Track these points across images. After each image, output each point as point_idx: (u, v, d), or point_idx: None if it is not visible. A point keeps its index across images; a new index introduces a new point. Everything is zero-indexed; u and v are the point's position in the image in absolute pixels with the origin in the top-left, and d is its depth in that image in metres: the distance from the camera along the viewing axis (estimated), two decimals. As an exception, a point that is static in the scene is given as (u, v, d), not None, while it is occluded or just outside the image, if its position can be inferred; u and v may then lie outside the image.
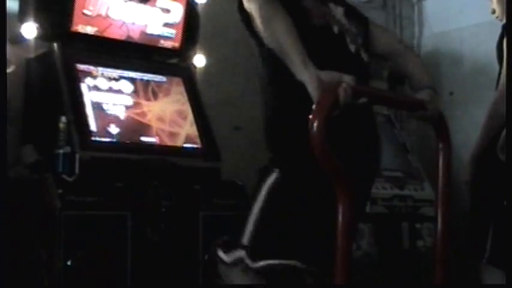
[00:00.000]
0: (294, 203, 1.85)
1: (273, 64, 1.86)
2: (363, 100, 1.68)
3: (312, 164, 1.72)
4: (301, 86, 1.70)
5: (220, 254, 1.94)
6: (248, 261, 1.85)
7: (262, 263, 1.83)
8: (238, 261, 1.88)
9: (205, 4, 3.70)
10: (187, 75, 3.59)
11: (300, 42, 1.72)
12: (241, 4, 1.90)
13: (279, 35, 1.74)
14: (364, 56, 2.01)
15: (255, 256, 1.85)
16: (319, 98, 1.62)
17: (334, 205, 1.72)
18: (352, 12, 2.07)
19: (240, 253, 1.88)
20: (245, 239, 1.88)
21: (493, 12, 3.05)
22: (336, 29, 1.94)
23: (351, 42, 1.97)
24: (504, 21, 2.96)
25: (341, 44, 1.94)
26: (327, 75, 1.67)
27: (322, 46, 1.83)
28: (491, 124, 2.82)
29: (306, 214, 1.84)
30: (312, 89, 1.65)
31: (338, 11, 1.99)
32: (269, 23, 1.77)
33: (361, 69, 1.95)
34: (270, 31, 1.77)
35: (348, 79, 1.64)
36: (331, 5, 1.99)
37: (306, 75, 1.67)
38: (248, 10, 1.86)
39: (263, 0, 1.80)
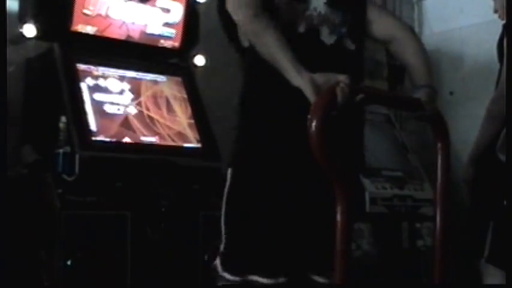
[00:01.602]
0: (250, 205, 1.89)
1: (252, 69, 1.93)
2: (360, 96, 1.68)
3: (264, 166, 1.85)
4: (277, 88, 1.75)
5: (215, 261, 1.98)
6: (220, 270, 1.90)
7: (227, 275, 1.88)
8: (215, 268, 1.93)
9: (205, 4, 3.69)
10: (187, 75, 3.59)
11: (290, 50, 1.74)
12: (221, 9, 1.93)
13: (270, 46, 1.77)
14: (349, 44, 1.97)
15: (224, 266, 1.90)
16: (316, 99, 1.63)
17: (290, 210, 1.85)
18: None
19: (217, 260, 1.93)
20: (221, 247, 1.93)
21: (496, 11, 3.05)
22: (302, 27, 1.92)
23: (330, 33, 1.94)
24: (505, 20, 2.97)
25: (311, 41, 1.91)
26: (322, 77, 1.68)
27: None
28: (490, 124, 2.82)
29: (264, 216, 1.87)
30: (309, 94, 1.65)
31: (319, 1, 1.94)
32: (259, 38, 1.81)
33: (342, 60, 1.93)
34: (261, 45, 1.81)
35: (343, 78, 1.65)
36: None
37: (301, 80, 1.68)
38: (233, 18, 1.88)
39: (251, 15, 1.82)
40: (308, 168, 1.66)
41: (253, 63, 1.91)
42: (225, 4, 1.89)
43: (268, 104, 1.92)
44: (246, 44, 1.95)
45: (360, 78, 1.92)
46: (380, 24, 2.09)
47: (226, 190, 1.95)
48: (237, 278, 1.87)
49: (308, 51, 1.79)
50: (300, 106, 1.63)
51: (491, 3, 3.08)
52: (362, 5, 2.08)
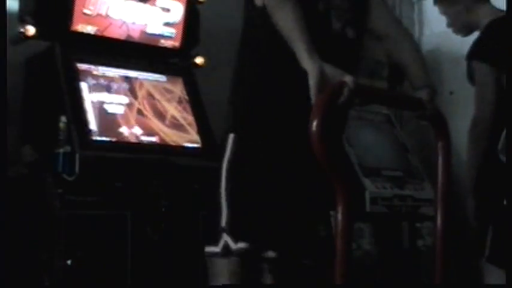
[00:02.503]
0: (256, 171, 1.84)
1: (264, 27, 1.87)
2: (357, 101, 1.69)
3: (269, 128, 1.80)
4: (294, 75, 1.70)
5: (210, 248, 1.89)
6: (231, 243, 1.83)
7: (243, 245, 1.81)
8: (226, 246, 1.85)
9: (206, 3, 3.69)
10: (187, 74, 3.59)
11: (308, 32, 1.72)
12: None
13: (288, 23, 1.74)
14: (350, 32, 1.98)
15: (235, 237, 1.82)
16: (318, 98, 1.63)
17: (294, 177, 1.81)
18: None
19: (225, 237, 1.85)
20: (223, 221, 1.86)
21: (449, 25, 3.06)
22: (321, 6, 1.91)
23: (337, 19, 1.94)
24: (461, 35, 2.99)
25: (325, 22, 1.91)
26: (331, 70, 1.66)
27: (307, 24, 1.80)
28: (477, 147, 2.82)
29: (271, 182, 1.83)
30: (312, 79, 1.64)
31: None
32: (279, 11, 1.78)
33: (344, 47, 1.93)
34: (279, 19, 1.77)
35: (348, 79, 1.64)
36: None
37: (310, 64, 1.66)
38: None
39: None
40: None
41: (259, 28, 1.89)
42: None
43: (269, 71, 1.89)
44: (258, 2, 1.91)
45: (353, 70, 1.87)
46: (377, 18, 2.08)
47: (226, 159, 1.89)
48: (252, 246, 1.80)
49: (321, 32, 1.78)
50: (299, 82, 1.63)
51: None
52: None
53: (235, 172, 1.88)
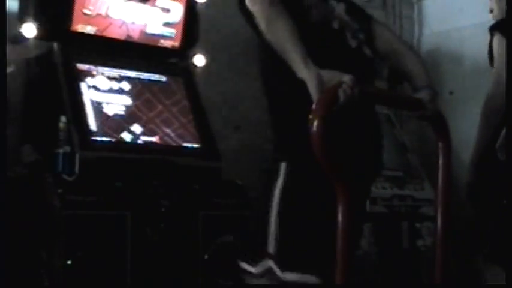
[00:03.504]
0: (310, 201, 1.83)
1: (276, 61, 1.87)
2: (359, 94, 1.68)
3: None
4: (300, 84, 1.71)
5: (245, 266, 1.91)
6: (277, 271, 1.82)
7: (293, 276, 1.80)
8: (267, 272, 1.84)
9: (205, 4, 3.69)
10: (187, 74, 3.59)
11: (301, 42, 1.74)
12: (242, 5, 1.91)
13: (281, 35, 1.77)
14: (367, 51, 2.02)
15: (284, 266, 1.82)
16: (318, 97, 1.63)
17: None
18: (354, 9, 2.08)
19: (268, 263, 1.84)
20: (271, 248, 1.84)
21: (491, 11, 3.05)
22: (335, 24, 1.94)
23: (352, 38, 1.98)
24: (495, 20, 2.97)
25: (341, 39, 1.95)
26: (327, 74, 1.68)
27: (321, 42, 1.83)
28: (486, 124, 2.82)
29: (323, 212, 1.80)
30: (312, 88, 1.66)
31: (339, 7, 2.00)
32: (272, 24, 1.80)
33: (363, 64, 1.95)
34: (272, 32, 1.80)
35: (347, 79, 1.65)
36: (332, 2, 2.00)
37: (307, 73, 1.68)
38: (251, 10, 1.87)
39: (267, 2, 1.82)
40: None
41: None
42: (244, 1, 1.89)
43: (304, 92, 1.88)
44: None
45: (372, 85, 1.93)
46: (382, 38, 2.15)
47: (279, 186, 1.88)
48: (300, 276, 1.79)
49: (338, 49, 1.79)
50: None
51: (489, 2, 3.09)
52: (368, 19, 2.15)
53: (289, 201, 1.86)
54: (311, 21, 1.90)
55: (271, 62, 1.93)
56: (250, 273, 1.89)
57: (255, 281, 1.89)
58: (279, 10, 1.81)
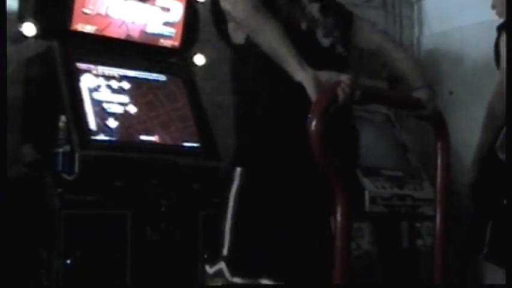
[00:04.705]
0: (262, 207, 1.86)
1: (249, 63, 1.92)
2: (358, 94, 1.68)
3: (276, 162, 1.83)
4: (283, 86, 1.73)
5: (206, 266, 1.93)
6: (227, 274, 1.84)
7: (239, 280, 1.83)
8: (218, 273, 1.87)
9: (205, 3, 3.69)
10: (187, 74, 3.59)
11: (293, 45, 1.74)
12: (214, 5, 1.94)
13: (273, 40, 1.77)
14: (340, 49, 2.02)
15: (233, 270, 1.84)
16: (317, 97, 1.63)
17: (300, 209, 1.83)
18: (330, 7, 2.06)
19: (221, 265, 1.87)
20: (224, 250, 1.87)
21: (493, 7, 3.04)
22: (304, 25, 1.94)
23: (324, 37, 1.98)
24: (503, 17, 2.96)
25: (310, 39, 1.94)
26: (325, 75, 1.68)
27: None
28: (490, 124, 2.82)
29: (275, 219, 1.84)
30: (311, 89, 1.66)
31: (313, 7, 1.99)
32: (261, 31, 1.80)
33: (335, 63, 1.94)
34: (262, 38, 1.80)
35: (345, 78, 1.65)
36: (304, 1, 1.99)
37: (304, 76, 1.68)
38: (228, 13, 1.89)
39: (252, 9, 1.81)
40: (313, 168, 1.64)
41: (248, 60, 1.92)
42: (218, 2, 1.90)
43: (271, 100, 1.91)
44: (237, 40, 1.95)
45: None
46: (366, 36, 2.16)
47: (234, 190, 1.90)
48: (248, 281, 1.82)
49: (308, 50, 1.79)
50: (299, 102, 1.63)
51: (490, 1, 3.08)
52: (349, 16, 2.14)
53: (243, 204, 1.89)
54: (280, 21, 1.88)
55: (242, 67, 1.98)
56: (206, 272, 1.91)
57: (209, 281, 1.91)
58: (265, 15, 1.80)
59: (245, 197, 1.89)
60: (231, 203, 1.90)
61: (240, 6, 1.84)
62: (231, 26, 1.95)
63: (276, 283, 1.82)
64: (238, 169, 1.93)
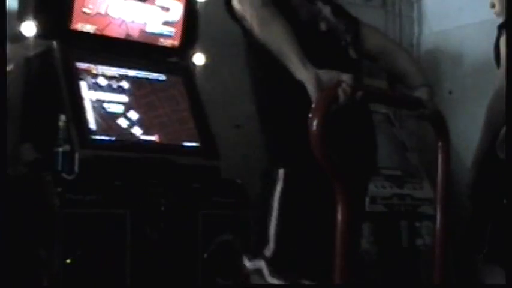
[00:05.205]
0: (307, 210, 1.84)
1: (266, 63, 1.88)
2: (359, 94, 1.68)
3: (318, 167, 1.73)
4: (296, 85, 1.71)
5: (245, 259, 1.93)
6: (266, 274, 1.84)
7: (277, 281, 1.82)
8: (258, 271, 1.86)
9: (205, 2, 3.69)
10: (186, 73, 3.58)
11: (298, 43, 1.73)
12: (228, 5, 1.92)
13: (277, 36, 1.76)
14: (353, 53, 2.02)
15: (274, 272, 1.83)
16: (318, 97, 1.63)
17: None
18: (340, 11, 2.08)
19: (261, 263, 1.86)
20: (267, 251, 1.86)
21: (492, 6, 3.04)
22: (323, 25, 1.94)
23: (339, 40, 1.99)
24: (502, 17, 2.96)
25: (330, 40, 1.95)
26: (326, 74, 1.68)
27: (310, 43, 1.81)
28: (490, 125, 2.82)
29: (322, 218, 1.80)
30: (311, 88, 1.66)
31: (326, 9, 2.00)
32: (267, 25, 1.79)
33: (348, 65, 1.95)
34: (267, 33, 1.79)
35: (346, 78, 1.65)
36: (319, 3, 2.00)
37: (305, 74, 1.68)
38: (239, 11, 1.87)
39: (259, 4, 1.81)
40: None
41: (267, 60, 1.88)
42: (231, 1, 1.89)
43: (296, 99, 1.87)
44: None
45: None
46: (371, 40, 2.16)
47: (278, 192, 1.88)
48: (286, 282, 1.82)
49: (328, 50, 1.79)
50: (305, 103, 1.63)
51: (490, 0, 3.08)
52: (355, 22, 2.15)
53: (288, 206, 1.87)
54: (299, 22, 1.89)
55: (264, 68, 1.94)
56: (244, 265, 1.92)
57: (249, 275, 1.91)
58: (272, 11, 1.80)
59: (291, 199, 1.87)
60: (275, 204, 1.87)
61: (247, 2, 1.84)
62: (246, 24, 1.92)
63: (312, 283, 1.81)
64: (282, 170, 1.89)
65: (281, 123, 1.95)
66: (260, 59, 1.93)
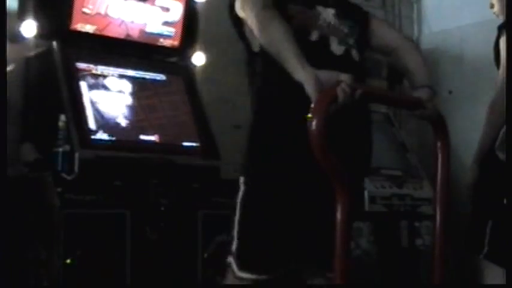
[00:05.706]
0: (264, 214, 1.94)
1: (263, 69, 1.95)
2: (359, 93, 1.68)
3: (278, 172, 1.90)
4: (289, 92, 1.75)
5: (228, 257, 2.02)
6: (235, 268, 1.94)
7: (245, 275, 1.93)
8: (230, 265, 1.97)
9: (205, 2, 3.69)
10: (186, 73, 3.59)
11: (297, 45, 1.74)
12: (231, 9, 1.96)
13: (277, 38, 1.78)
14: (356, 55, 2.02)
15: (240, 265, 1.94)
16: (317, 97, 1.63)
17: (304, 211, 1.90)
18: (347, 11, 2.07)
19: (231, 258, 1.96)
20: (233, 247, 1.97)
21: (492, 6, 3.04)
22: (315, 35, 1.94)
23: (339, 44, 1.98)
24: (502, 17, 2.96)
25: (322, 49, 1.95)
26: (325, 75, 1.68)
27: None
28: (491, 125, 2.81)
29: (277, 223, 1.92)
30: (310, 89, 1.66)
31: (328, 13, 1.99)
32: (266, 28, 1.81)
33: (349, 70, 1.95)
34: (267, 35, 1.81)
35: (345, 78, 1.65)
36: (320, 8, 1.99)
37: (304, 75, 1.68)
38: (241, 16, 1.92)
39: (260, 7, 1.83)
40: (315, 169, 1.65)
41: (266, 68, 1.93)
42: (234, 8, 1.94)
43: (282, 112, 1.93)
44: (256, 48, 1.96)
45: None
46: (383, 35, 2.16)
47: (239, 198, 1.99)
48: (252, 276, 1.92)
49: (318, 60, 1.79)
50: (305, 107, 1.64)
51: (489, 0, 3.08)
52: (365, 17, 2.15)
53: (247, 209, 1.98)
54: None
55: (260, 84, 2.01)
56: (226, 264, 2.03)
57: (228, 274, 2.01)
58: (272, 13, 1.82)
59: (248, 204, 1.97)
60: (237, 209, 2.00)
61: (248, 6, 1.86)
62: (247, 29, 1.95)
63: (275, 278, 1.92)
64: (242, 178, 2.00)
65: (252, 134, 2.03)
66: (259, 64, 1.97)
